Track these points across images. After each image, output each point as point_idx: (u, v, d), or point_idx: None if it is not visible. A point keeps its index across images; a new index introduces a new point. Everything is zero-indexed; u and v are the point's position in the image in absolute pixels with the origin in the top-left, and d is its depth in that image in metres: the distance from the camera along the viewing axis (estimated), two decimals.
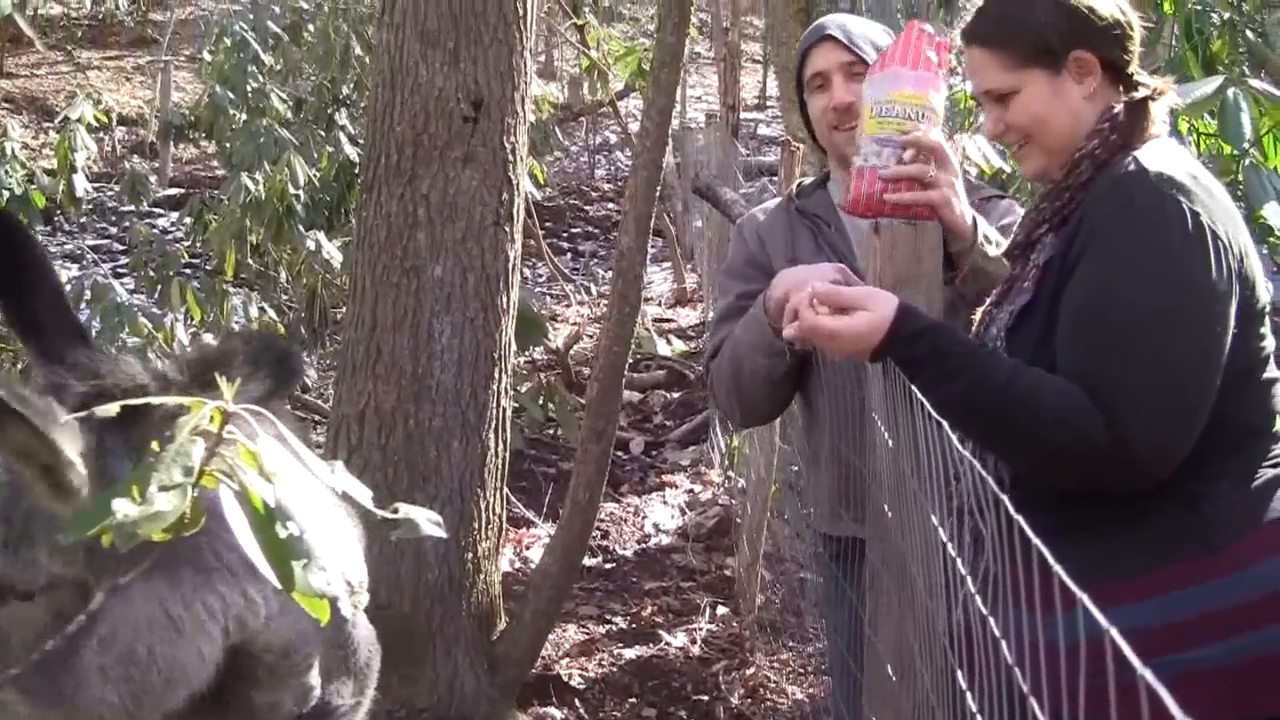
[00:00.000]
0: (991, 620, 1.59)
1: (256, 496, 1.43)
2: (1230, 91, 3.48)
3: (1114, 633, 1.12)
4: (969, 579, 1.72)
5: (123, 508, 1.36)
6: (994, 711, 1.63)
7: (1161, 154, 2.32)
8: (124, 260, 11.72)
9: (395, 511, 1.60)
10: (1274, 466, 2.29)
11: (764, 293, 3.23)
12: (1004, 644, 1.53)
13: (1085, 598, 1.21)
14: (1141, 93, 2.42)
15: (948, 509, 1.93)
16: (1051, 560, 1.33)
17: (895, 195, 2.68)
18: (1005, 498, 1.50)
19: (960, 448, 1.77)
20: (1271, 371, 2.35)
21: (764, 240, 3.52)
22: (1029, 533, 1.40)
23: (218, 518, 2.29)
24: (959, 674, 1.79)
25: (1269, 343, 2.35)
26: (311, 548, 1.42)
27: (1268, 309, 2.35)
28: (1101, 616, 1.15)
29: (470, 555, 4.85)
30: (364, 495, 1.56)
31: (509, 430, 5.06)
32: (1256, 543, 2.22)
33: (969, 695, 1.72)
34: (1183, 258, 2.21)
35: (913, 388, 2.13)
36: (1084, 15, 2.41)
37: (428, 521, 1.61)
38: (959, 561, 1.79)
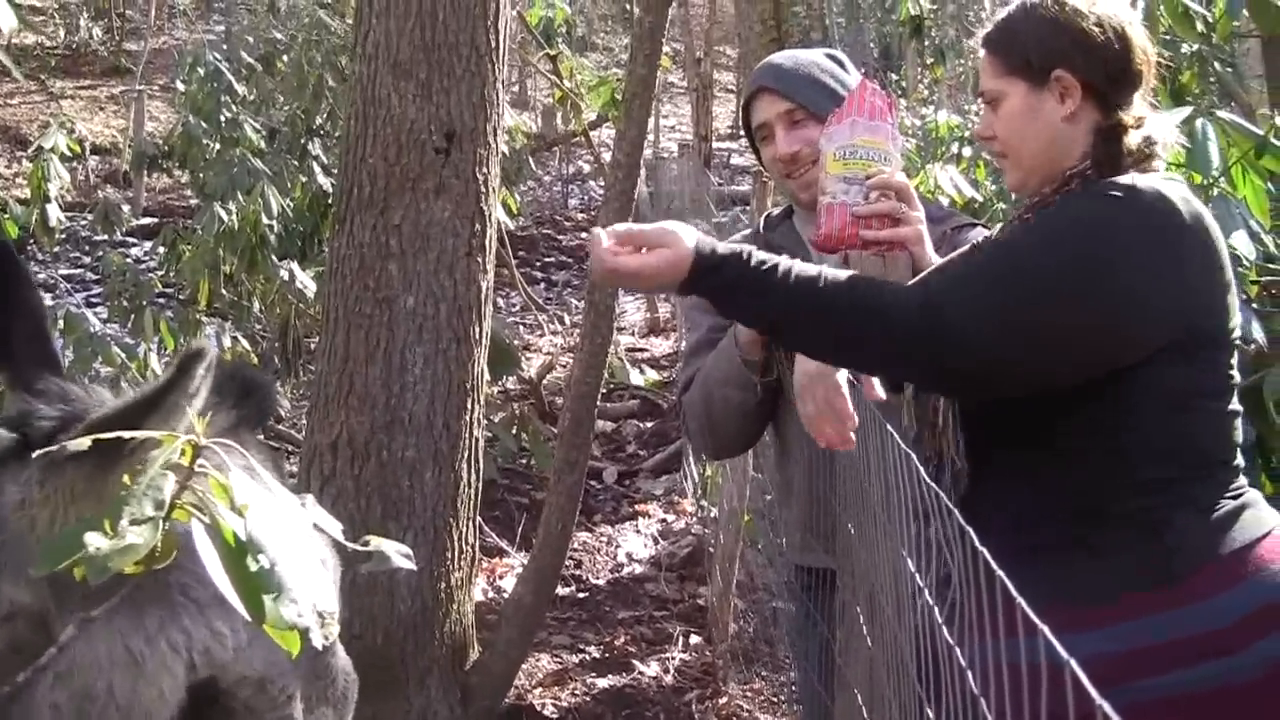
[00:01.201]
0: (958, 650, 1.61)
1: (228, 529, 1.45)
2: (1199, 122, 3.51)
3: (1073, 664, 1.14)
4: (935, 609, 1.74)
5: (94, 541, 1.37)
6: None
7: (1158, 178, 2.34)
8: (97, 290, 11.71)
9: (366, 544, 1.61)
10: (1235, 498, 2.31)
11: (734, 326, 3.26)
12: (970, 674, 1.55)
13: (1045, 629, 1.22)
14: (1120, 119, 2.42)
15: (917, 544, 1.95)
16: (1013, 590, 1.35)
17: (870, 232, 2.74)
18: (970, 530, 1.52)
19: (928, 479, 1.79)
20: (1235, 404, 2.37)
21: None
22: (992, 563, 1.42)
23: (185, 551, 2.30)
24: (927, 707, 1.81)
25: (1234, 375, 2.38)
26: (283, 580, 1.43)
27: (1235, 340, 2.37)
28: (1061, 648, 1.17)
29: (443, 585, 4.86)
30: (334, 528, 1.57)
31: (482, 460, 5.07)
32: (1214, 573, 2.24)
33: None
34: (1069, 238, 2.26)
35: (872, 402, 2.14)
36: (1074, 35, 2.40)
37: (398, 554, 1.62)
38: (925, 591, 1.81)
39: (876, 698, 2.47)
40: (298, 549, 1.46)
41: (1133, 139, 2.40)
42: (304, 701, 2.77)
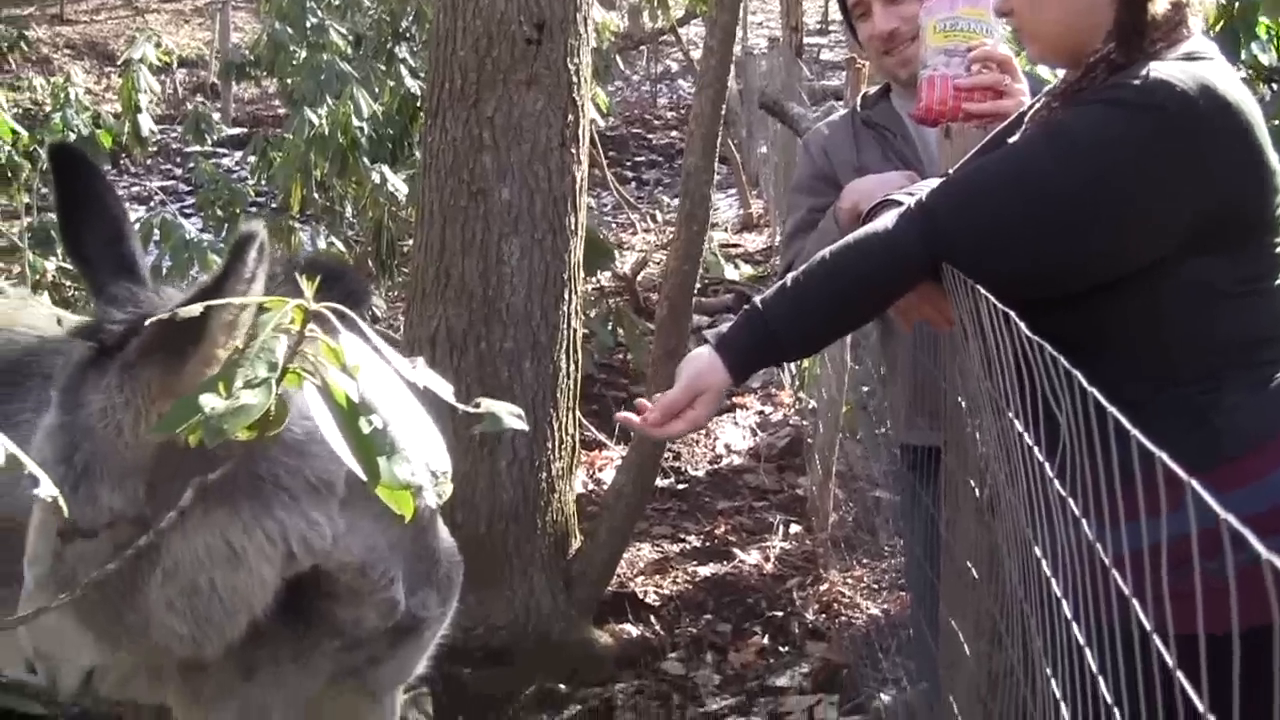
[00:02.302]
0: (1071, 501, 1.59)
1: (340, 392, 1.45)
2: None
3: (1230, 518, 1.12)
4: (1046, 465, 1.71)
5: (210, 402, 1.37)
6: (1091, 618, 1.61)
7: (1188, 67, 2.18)
8: (190, 201, 11.79)
9: (477, 406, 1.61)
10: None
11: (834, 205, 3.23)
12: (1099, 548, 1.52)
13: (1194, 483, 1.19)
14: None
15: (1022, 405, 1.92)
16: (1126, 423, 1.32)
17: (973, 105, 2.70)
18: (1079, 375, 1.48)
19: (1027, 332, 1.75)
20: None
21: (830, 154, 3.53)
22: (1103, 401, 1.39)
23: (279, 444, 2.33)
24: (1054, 582, 1.77)
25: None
26: (395, 440, 1.43)
27: None
28: (1215, 505, 1.15)
29: (544, 475, 4.89)
30: (446, 390, 1.57)
31: (580, 351, 5.09)
32: (1273, 450, 2.16)
33: (1064, 602, 1.71)
34: (1085, 159, 2.15)
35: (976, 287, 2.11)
36: None
37: (509, 415, 1.62)
38: (1036, 450, 1.78)
39: (985, 574, 2.45)
40: (410, 410, 1.46)
41: (1159, 5, 2.22)
42: (406, 583, 2.81)
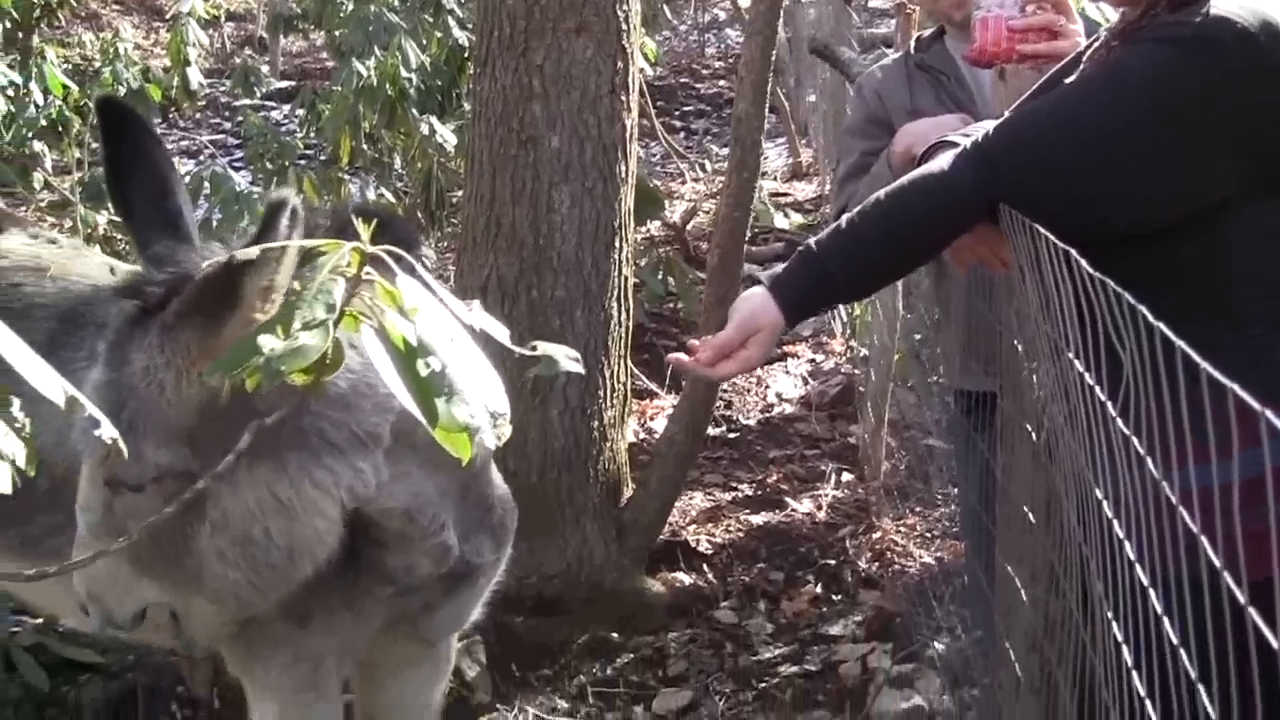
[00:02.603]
0: (1135, 440, 1.57)
1: (398, 334, 1.44)
2: None
3: None
4: (1109, 405, 1.69)
5: (269, 343, 1.37)
6: (1156, 560, 1.59)
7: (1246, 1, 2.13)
8: (239, 155, 11.80)
9: (533, 349, 1.61)
10: None
11: (887, 149, 3.21)
12: (1165, 486, 1.49)
13: (1269, 413, 1.16)
14: None
15: (1082, 345, 1.90)
16: (1194, 355, 1.29)
17: (1027, 46, 2.70)
18: (1144, 309, 1.46)
19: (1088, 266, 1.72)
20: None
21: (883, 97, 3.51)
22: (1169, 333, 1.37)
23: (325, 398, 2.35)
24: (1116, 524, 1.75)
25: None
26: (454, 382, 1.42)
27: None
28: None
29: (596, 424, 4.89)
30: (501, 333, 1.56)
31: (631, 299, 5.08)
32: None
33: (1127, 544, 1.69)
34: (1142, 97, 2.12)
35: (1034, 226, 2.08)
36: None
37: (565, 358, 1.61)
38: (1097, 389, 1.76)
39: (1042, 521, 2.44)
40: (467, 352, 1.45)
41: None
42: (459, 529, 2.81)
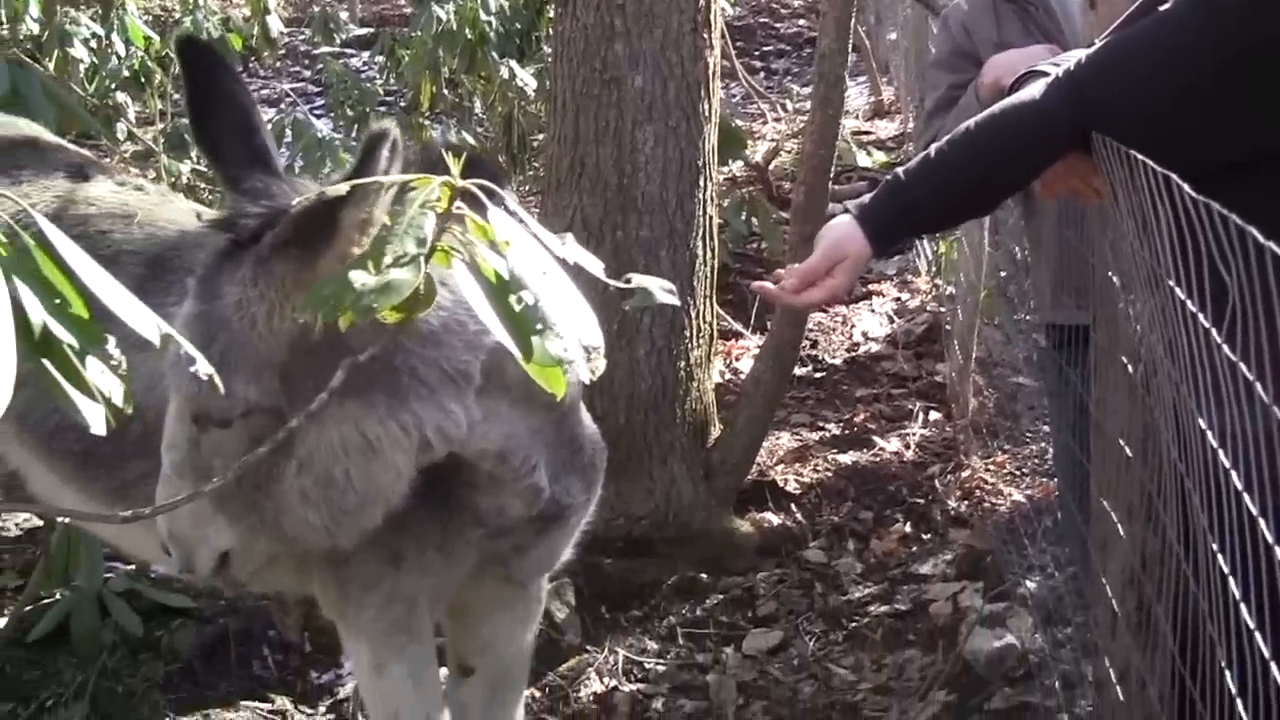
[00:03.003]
0: (1243, 366, 1.53)
1: (490, 268, 1.43)
2: None
3: None
4: (1214, 331, 1.65)
5: (360, 278, 1.36)
6: (1265, 486, 1.56)
7: None
8: (320, 102, 11.83)
9: (628, 281, 1.59)
10: None
11: (974, 81, 3.17)
12: (1277, 411, 1.46)
13: None
14: None
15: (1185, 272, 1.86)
16: None
17: None
18: (1254, 231, 1.42)
19: (1190, 191, 1.68)
20: None
21: (969, 30, 3.47)
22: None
23: (414, 335, 2.34)
24: (1221, 454, 1.72)
25: None
26: (547, 316, 1.41)
27: None
28: None
29: (683, 364, 4.88)
30: (595, 266, 1.55)
31: (716, 239, 5.05)
32: None
33: (1234, 474, 1.65)
34: (1232, 23, 2.09)
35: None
36: None
37: (660, 289, 1.60)
38: (1200, 316, 1.72)
39: (1139, 452, 2.40)
40: (560, 286, 1.44)
41: None
42: (549, 470, 2.81)
